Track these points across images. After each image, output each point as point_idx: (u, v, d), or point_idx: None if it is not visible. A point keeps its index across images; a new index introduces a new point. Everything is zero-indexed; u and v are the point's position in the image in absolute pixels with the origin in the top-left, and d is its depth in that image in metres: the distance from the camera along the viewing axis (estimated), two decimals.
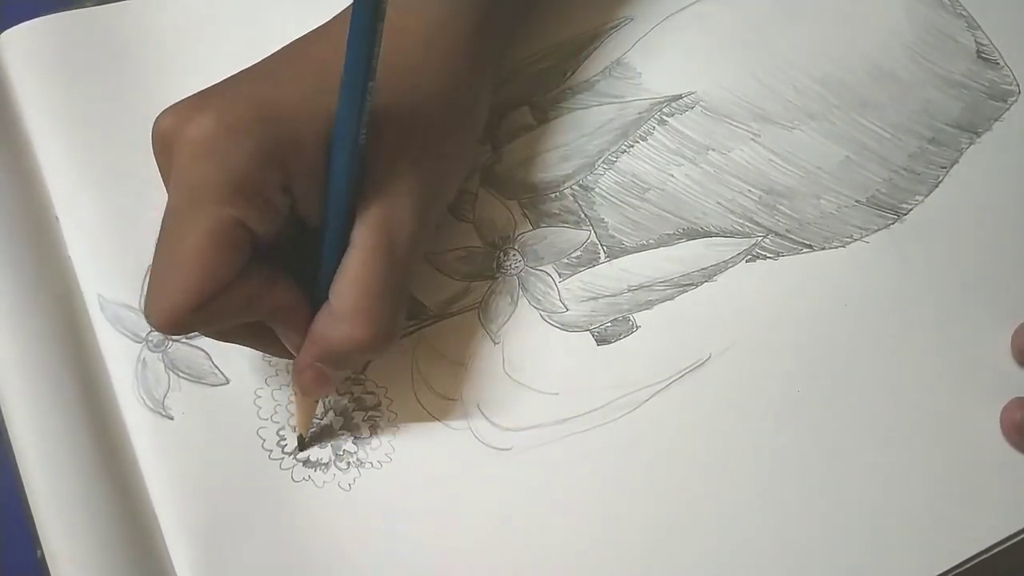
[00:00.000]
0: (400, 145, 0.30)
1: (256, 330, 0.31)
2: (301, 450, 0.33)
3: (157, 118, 0.29)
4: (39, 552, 0.32)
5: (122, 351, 0.35)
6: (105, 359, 0.35)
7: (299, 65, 0.31)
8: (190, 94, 0.30)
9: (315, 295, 0.31)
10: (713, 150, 0.38)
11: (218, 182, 0.28)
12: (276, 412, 0.34)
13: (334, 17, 0.33)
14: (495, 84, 0.37)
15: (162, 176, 0.30)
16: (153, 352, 0.35)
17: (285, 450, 0.33)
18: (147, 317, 0.29)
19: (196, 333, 0.34)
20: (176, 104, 0.29)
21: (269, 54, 0.32)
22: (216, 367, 0.34)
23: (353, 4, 0.26)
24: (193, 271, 0.28)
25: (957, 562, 0.32)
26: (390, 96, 0.30)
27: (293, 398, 0.34)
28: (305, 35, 0.33)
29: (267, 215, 0.29)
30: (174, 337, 0.35)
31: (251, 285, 0.29)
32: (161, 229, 0.29)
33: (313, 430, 0.34)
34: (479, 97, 0.34)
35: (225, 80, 0.31)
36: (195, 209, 0.28)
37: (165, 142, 0.29)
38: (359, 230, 0.30)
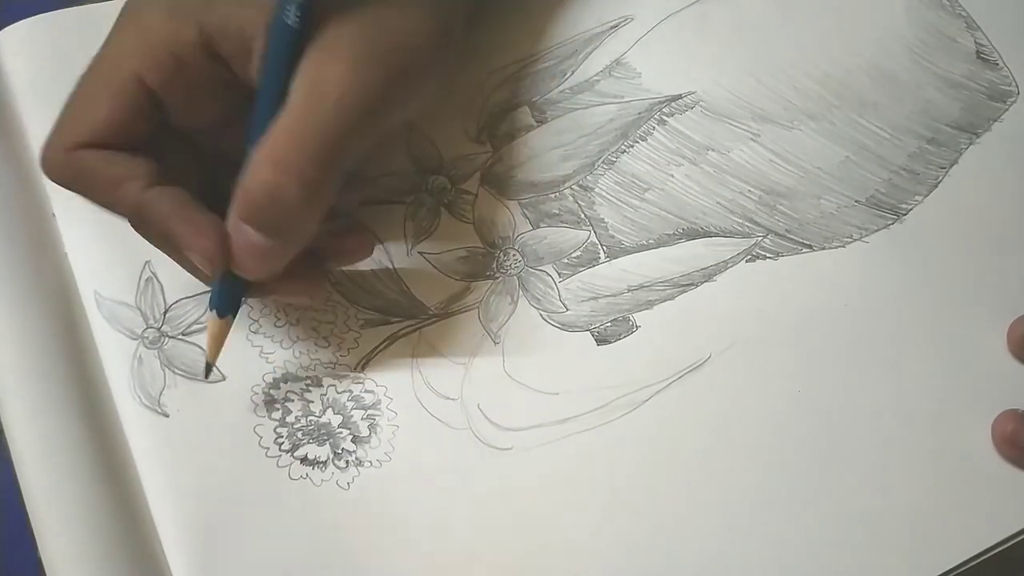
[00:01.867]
0: (348, 40, 0.29)
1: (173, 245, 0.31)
2: (206, 377, 0.33)
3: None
4: (38, 553, 0.32)
5: (118, 348, 0.34)
6: (101, 356, 0.34)
7: None
8: None
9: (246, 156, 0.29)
10: (713, 150, 0.38)
11: (129, 36, 0.28)
12: (274, 409, 0.34)
13: None
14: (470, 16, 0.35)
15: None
16: (149, 349, 0.34)
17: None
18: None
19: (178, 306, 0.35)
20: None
21: None
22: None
23: None
24: (82, 112, 0.28)
25: (958, 562, 0.32)
26: None
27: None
28: None
29: (176, 75, 0.28)
30: (170, 334, 0.35)
31: (130, 166, 0.29)
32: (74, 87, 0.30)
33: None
34: (452, 14, 0.32)
35: None
36: (104, 56, 0.29)
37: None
38: (292, 93, 0.29)
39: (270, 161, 0.28)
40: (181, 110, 0.30)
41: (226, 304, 0.32)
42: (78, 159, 0.28)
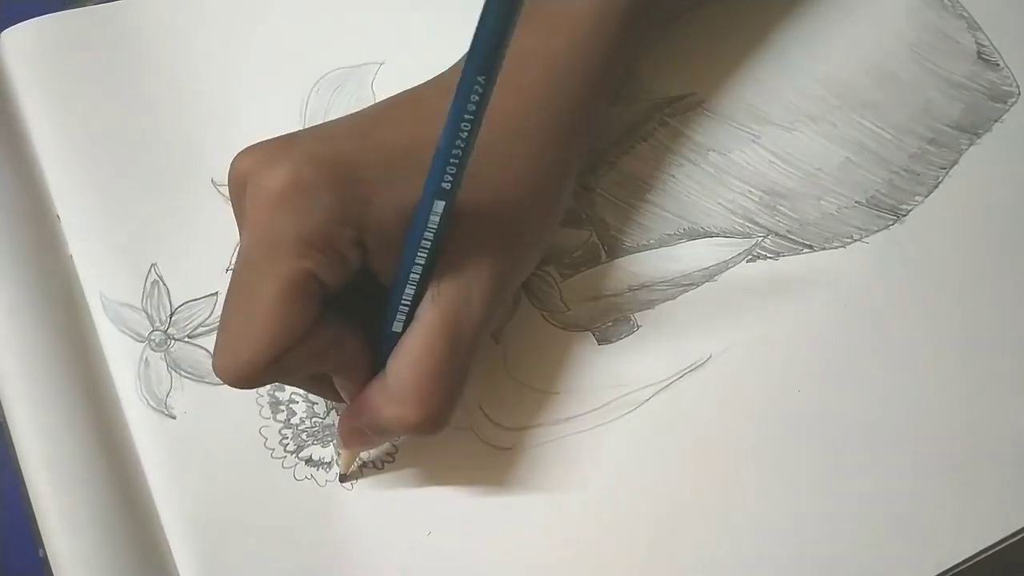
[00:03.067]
0: (481, 232, 0.30)
1: (316, 378, 0.31)
2: (341, 483, 0.33)
3: (235, 158, 0.29)
4: (41, 551, 0.32)
5: (124, 350, 0.35)
6: (107, 359, 0.35)
7: (391, 126, 0.31)
8: (273, 137, 0.29)
9: (376, 355, 0.30)
10: (714, 151, 0.38)
11: (293, 236, 0.27)
12: (279, 411, 0.34)
13: (435, 78, 0.32)
14: (581, 170, 0.36)
15: (235, 213, 0.30)
16: (155, 351, 0.35)
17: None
18: (217, 371, 0.28)
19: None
20: (256, 146, 0.29)
21: (365, 108, 0.32)
22: None
23: (464, 74, 0.24)
24: (267, 327, 0.27)
25: (960, 559, 0.32)
26: (477, 182, 0.28)
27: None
28: (403, 93, 0.32)
29: (339, 268, 0.28)
30: (176, 337, 0.35)
31: (322, 338, 0.28)
32: (233, 279, 0.29)
33: (353, 469, 0.34)
34: (564, 188, 0.33)
35: (311, 129, 0.31)
36: (269, 262, 0.27)
37: (241, 184, 0.29)
38: (427, 307, 0.29)
39: (403, 395, 0.29)
40: (332, 290, 0.29)
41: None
42: (279, 366, 0.28)
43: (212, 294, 0.36)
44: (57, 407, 0.33)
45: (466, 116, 0.25)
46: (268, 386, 0.34)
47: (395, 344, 0.29)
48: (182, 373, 0.34)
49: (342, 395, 0.32)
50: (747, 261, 0.36)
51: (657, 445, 0.34)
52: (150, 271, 0.36)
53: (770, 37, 0.40)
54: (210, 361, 0.34)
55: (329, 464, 0.33)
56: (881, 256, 0.36)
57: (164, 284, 0.36)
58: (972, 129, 0.38)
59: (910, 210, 0.37)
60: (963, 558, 0.33)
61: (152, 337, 0.35)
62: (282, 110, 0.38)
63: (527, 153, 0.31)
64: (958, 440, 0.34)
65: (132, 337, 0.35)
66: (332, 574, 0.32)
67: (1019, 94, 0.39)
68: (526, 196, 0.31)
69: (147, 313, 0.35)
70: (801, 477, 0.33)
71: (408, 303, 0.29)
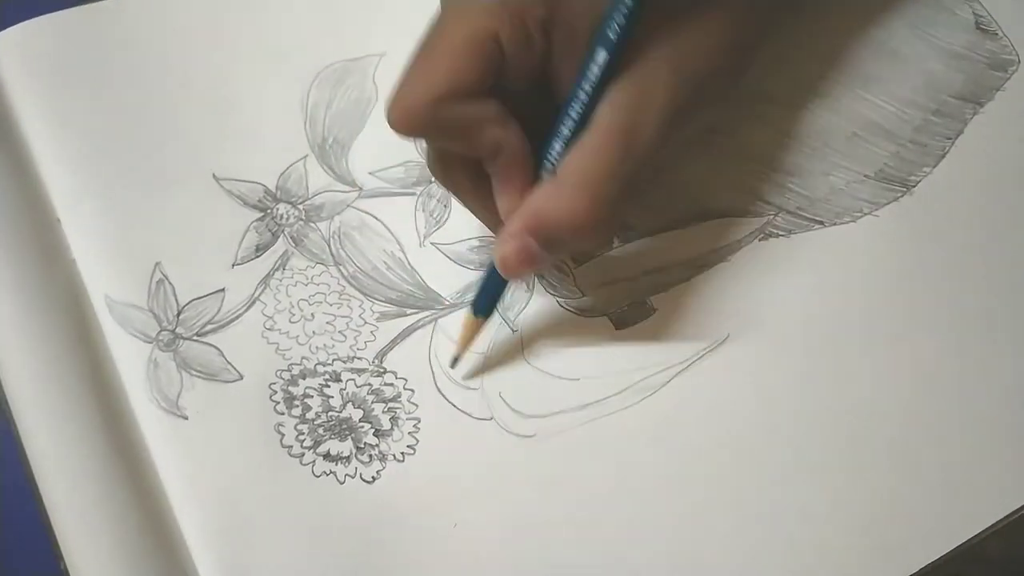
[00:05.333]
0: (666, 38, 0.30)
1: (473, 176, 0.31)
2: (452, 367, 0.34)
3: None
4: (62, 565, 0.31)
5: (133, 352, 0.34)
6: (116, 362, 0.34)
7: None
8: None
9: (540, 166, 0.30)
10: (721, 131, 0.38)
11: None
12: (294, 406, 0.33)
13: None
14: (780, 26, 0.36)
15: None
16: (164, 352, 0.34)
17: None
18: (388, 112, 0.29)
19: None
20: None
21: None
22: (229, 363, 0.34)
23: None
24: (443, 67, 0.29)
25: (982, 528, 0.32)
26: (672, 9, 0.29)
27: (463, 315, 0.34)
28: None
29: (522, 45, 0.29)
30: (185, 336, 0.34)
31: (488, 109, 0.29)
32: (426, 31, 0.30)
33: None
34: (763, 21, 0.33)
35: None
36: (460, 14, 0.29)
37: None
38: (604, 109, 0.29)
39: (581, 191, 0.29)
40: (511, 75, 0.30)
41: (483, 305, 0.33)
42: (444, 112, 0.29)
43: (219, 290, 0.35)
44: (67, 414, 0.32)
45: None
46: (281, 381, 0.34)
47: (566, 144, 0.30)
48: (192, 372, 0.34)
49: (499, 205, 0.31)
50: (759, 240, 0.36)
51: (678, 427, 0.34)
52: (155, 270, 0.35)
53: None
54: (220, 360, 0.34)
55: (348, 459, 0.33)
56: (892, 228, 0.36)
57: (169, 283, 0.35)
58: (975, 99, 0.39)
59: (919, 181, 0.37)
60: (979, 529, 0.32)
61: (160, 337, 0.34)
62: (283, 104, 0.38)
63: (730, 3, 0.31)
64: (972, 409, 0.34)
65: (140, 338, 0.34)
66: (358, 572, 0.31)
67: (1019, 62, 0.39)
68: (718, 34, 0.31)
69: (154, 313, 0.35)
70: (821, 452, 0.33)
71: (586, 102, 0.29)
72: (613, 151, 0.29)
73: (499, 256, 0.31)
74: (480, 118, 0.29)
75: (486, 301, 0.33)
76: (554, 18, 0.29)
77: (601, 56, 0.29)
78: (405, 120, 0.29)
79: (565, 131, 0.30)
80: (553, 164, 0.30)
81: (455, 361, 0.34)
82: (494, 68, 0.29)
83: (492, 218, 0.32)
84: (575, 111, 0.30)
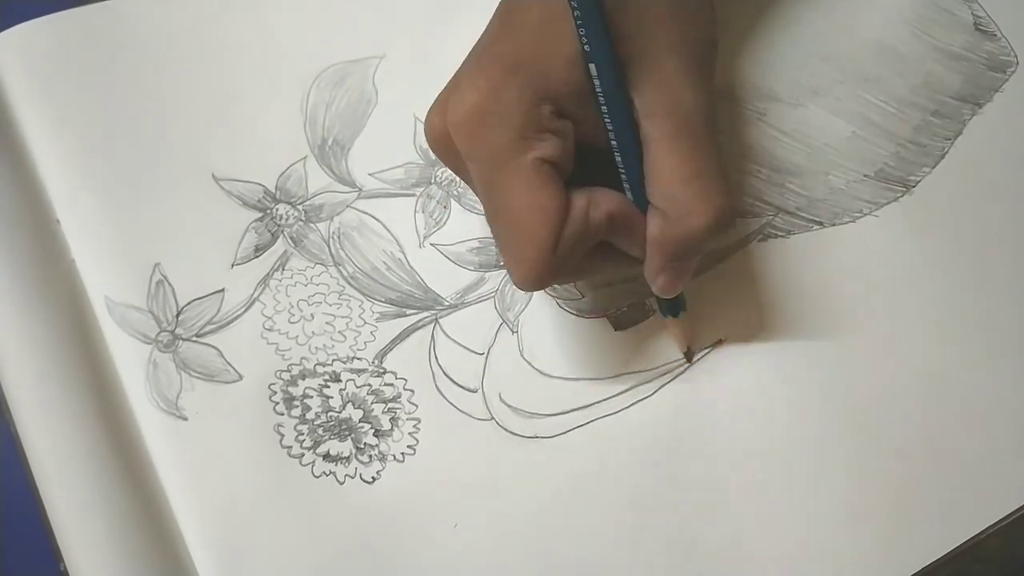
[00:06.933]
0: (650, 29, 0.30)
1: (603, 254, 0.31)
2: (688, 362, 0.35)
3: (426, 122, 0.31)
4: (62, 566, 0.31)
5: (132, 353, 0.34)
6: (115, 363, 0.34)
7: (515, 19, 0.31)
8: (439, 97, 0.31)
9: (636, 200, 0.31)
10: (719, 131, 0.38)
11: (508, 139, 0.29)
12: (293, 407, 0.33)
13: None
14: None
15: (452, 169, 0.32)
16: (163, 353, 0.34)
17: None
18: (517, 283, 0.30)
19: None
20: (434, 104, 0.31)
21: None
22: (229, 364, 0.34)
23: None
24: (533, 220, 0.29)
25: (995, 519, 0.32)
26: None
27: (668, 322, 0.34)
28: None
29: (559, 144, 0.29)
30: (184, 337, 0.34)
31: (578, 206, 0.29)
32: (486, 206, 0.30)
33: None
34: None
35: (462, 66, 0.31)
36: (503, 171, 0.29)
37: (441, 138, 0.30)
38: (646, 125, 0.30)
39: (682, 206, 0.29)
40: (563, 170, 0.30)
41: (671, 307, 0.34)
42: (560, 250, 0.29)
43: (219, 291, 0.35)
44: (67, 415, 0.33)
45: None
46: (280, 382, 0.34)
47: (640, 176, 0.30)
48: (192, 373, 0.34)
49: (632, 253, 0.32)
50: (758, 240, 0.36)
51: (678, 427, 0.34)
52: (154, 271, 0.35)
53: (770, 16, 0.39)
54: (219, 360, 0.34)
55: (348, 459, 0.33)
56: (892, 229, 0.36)
57: (169, 284, 0.35)
58: (974, 99, 0.39)
59: (918, 181, 0.37)
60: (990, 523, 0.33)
61: (159, 338, 0.34)
62: (283, 105, 0.38)
63: None
64: (971, 407, 0.34)
65: (139, 339, 0.34)
66: (357, 572, 0.31)
67: (1018, 63, 0.39)
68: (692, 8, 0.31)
69: (153, 314, 0.35)
70: (822, 452, 0.33)
71: (625, 131, 0.29)
72: (683, 151, 0.29)
73: (657, 290, 0.32)
74: (580, 218, 0.30)
75: (670, 305, 0.34)
76: (558, 97, 0.29)
77: (603, 75, 0.29)
78: (540, 280, 0.30)
79: (629, 161, 0.30)
80: (642, 196, 0.30)
81: (689, 355, 0.35)
82: (560, 181, 0.29)
83: (633, 263, 0.32)
84: (622, 139, 0.30)
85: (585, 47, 0.28)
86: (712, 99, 0.31)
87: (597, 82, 0.29)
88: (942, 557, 0.32)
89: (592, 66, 0.29)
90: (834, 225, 0.37)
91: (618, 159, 0.30)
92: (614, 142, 0.30)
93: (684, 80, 0.30)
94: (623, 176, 0.30)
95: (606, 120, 0.29)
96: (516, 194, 0.29)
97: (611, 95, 0.29)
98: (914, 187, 0.37)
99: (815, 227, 0.37)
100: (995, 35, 0.40)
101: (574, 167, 0.30)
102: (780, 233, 0.36)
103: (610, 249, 0.31)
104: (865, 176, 0.37)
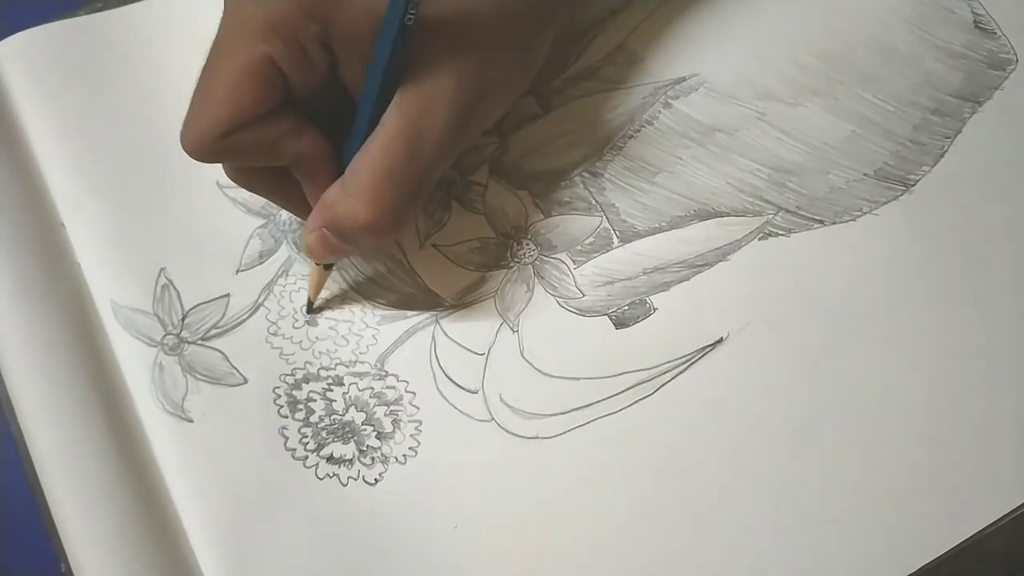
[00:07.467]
0: (451, 41, 0.30)
1: (281, 181, 0.32)
2: (308, 312, 0.35)
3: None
4: (63, 566, 0.32)
5: (138, 356, 0.34)
6: (121, 365, 0.34)
7: None
8: None
9: (341, 164, 0.31)
10: (719, 131, 0.38)
11: (258, 20, 0.29)
12: (297, 410, 0.34)
13: None
14: (561, 24, 0.35)
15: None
16: (169, 355, 0.34)
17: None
18: (182, 142, 0.30)
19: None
20: None
21: None
22: (234, 367, 0.34)
23: None
24: (223, 100, 0.29)
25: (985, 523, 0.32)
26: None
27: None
28: None
29: (301, 61, 0.30)
30: (190, 340, 0.34)
31: (279, 127, 0.30)
32: (204, 61, 0.30)
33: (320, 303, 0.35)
34: (543, 24, 0.33)
35: None
36: (232, 44, 0.29)
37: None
38: (391, 113, 0.30)
39: (364, 193, 0.30)
40: (299, 90, 0.31)
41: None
42: (232, 141, 0.30)
43: (224, 296, 0.35)
44: (73, 417, 0.33)
45: None
46: (284, 385, 0.34)
47: (359, 146, 0.30)
48: (197, 376, 0.34)
49: (309, 201, 0.32)
50: (759, 239, 0.36)
51: (679, 426, 0.34)
52: (159, 275, 0.35)
53: (768, 14, 0.40)
54: (224, 364, 0.34)
55: (351, 461, 0.33)
56: (892, 227, 0.36)
57: (174, 288, 0.35)
58: (973, 97, 0.39)
59: (918, 180, 0.37)
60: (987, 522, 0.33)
61: (165, 341, 0.35)
62: None
63: None
64: (973, 407, 0.34)
65: (145, 342, 0.35)
66: (360, 573, 0.32)
67: (1017, 61, 0.39)
68: (500, 17, 0.31)
69: (159, 317, 0.35)
70: (821, 450, 0.33)
71: (371, 107, 0.30)
72: (398, 154, 0.30)
73: (305, 246, 0.33)
74: (271, 137, 0.30)
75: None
76: (330, 31, 0.29)
77: (382, 60, 0.29)
78: (198, 152, 0.30)
79: (358, 134, 0.31)
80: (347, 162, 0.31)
81: (310, 304, 0.35)
82: (276, 90, 0.30)
83: (302, 210, 0.33)
84: (364, 115, 0.30)
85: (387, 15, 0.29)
86: (454, 147, 0.31)
87: (379, 46, 0.29)
88: (944, 554, 0.32)
89: (382, 32, 0.29)
90: (834, 224, 0.37)
91: (355, 120, 0.31)
92: (361, 104, 0.30)
93: (446, 109, 0.30)
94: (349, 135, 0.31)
95: (367, 82, 0.30)
96: (229, 69, 0.29)
97: (381, 64, 0.29)
98: (914, 186, 0.37)
99: (816, 226, 0.37)
100: (995, 33, 0.40)
101: (328, 107, 0.31)
102: (780, 232, 0.37)
103: (290, 186, 0.32)
104: (865, 175, 0.37)
